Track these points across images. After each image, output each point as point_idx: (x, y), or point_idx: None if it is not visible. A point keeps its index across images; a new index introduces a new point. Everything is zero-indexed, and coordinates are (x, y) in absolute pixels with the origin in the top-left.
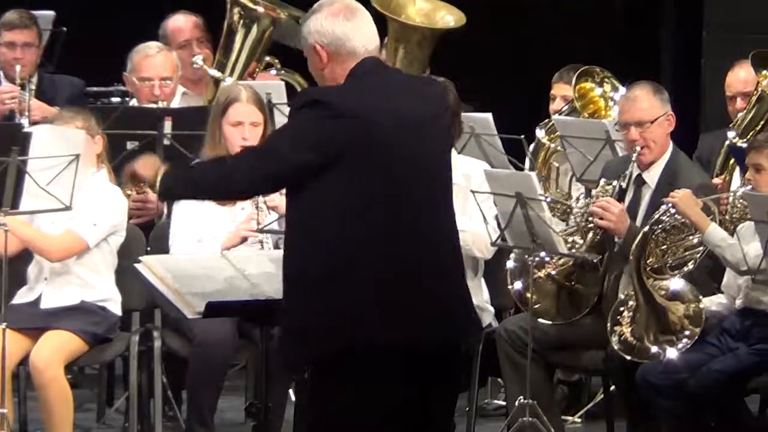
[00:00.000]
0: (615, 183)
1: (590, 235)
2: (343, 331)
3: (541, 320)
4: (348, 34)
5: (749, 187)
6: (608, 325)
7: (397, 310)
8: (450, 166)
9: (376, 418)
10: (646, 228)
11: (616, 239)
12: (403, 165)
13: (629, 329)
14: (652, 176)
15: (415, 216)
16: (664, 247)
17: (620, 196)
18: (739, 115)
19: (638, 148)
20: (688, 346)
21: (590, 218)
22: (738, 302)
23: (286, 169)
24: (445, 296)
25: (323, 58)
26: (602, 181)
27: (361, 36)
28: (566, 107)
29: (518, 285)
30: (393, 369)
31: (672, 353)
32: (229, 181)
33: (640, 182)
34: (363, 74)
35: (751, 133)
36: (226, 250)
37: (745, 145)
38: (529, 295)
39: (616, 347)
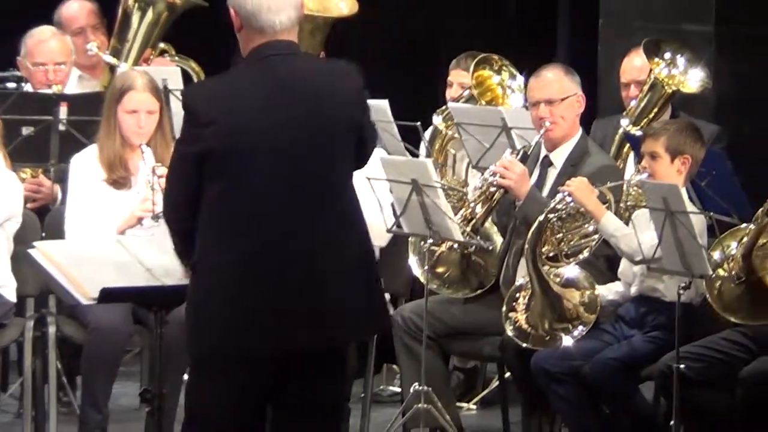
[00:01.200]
0: (519, 148)
1: (496, 195)
2: (208, 335)
3: (446, 293)
4: (258, 10)
5: (645, 174)
6: (503, 311)
7: (262, 322)
8: (348, 163)
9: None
10: (542, 216)
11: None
12: (271, 171)
13: (524, 316)
14: (558, 157)
15: (284, 229)
16: (559, 235)
17: (523, 159)
18: (633, 102)
19: (547, 124)
20: (583, 333)
21: (492, 177)
22: (633, 290)
23: (186, 188)
24: (323, 303)
25: (236, 24)
26: (507, 151)
27: (272, 15)
28: (465, 94)
29: (425, 268)
30: (255, 376)
31: (567, 341)
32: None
33: (546, 163)
34: (258, 60)
35: (644, 121)
36: (122, 232)
37: (639, 133)
38: (440, 270)
39: (510, 334)
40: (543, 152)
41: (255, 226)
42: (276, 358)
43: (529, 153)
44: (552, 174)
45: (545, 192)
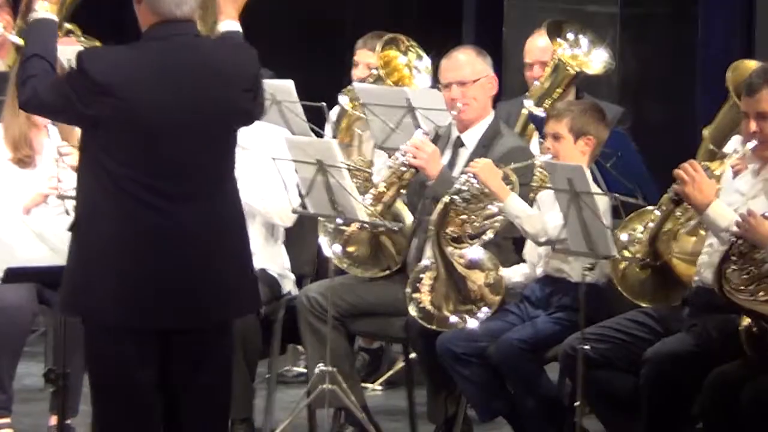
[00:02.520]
0: (431, 129)
1: (407, 175)
2: (82, 303)
3: (356, 272)
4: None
5: (549, 156)
6: (407, 292)
7: (138, 295)
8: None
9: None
10: (447, 198)
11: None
12: (160, 146)
13: (429, 297)
14: (470, 138)
15: (167, 206)
16: (464, 216)
17: (434, 140)
18: (536, 83)
19: (459, 105)
20: (488, 315)
21: (404, 157)
22: (539, 271)
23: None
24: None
25: None
26: (419, 131)
27: (174, 7)
28: (372, 75)
29: (336, 248)
30: (142, 349)
31: (472, 323)
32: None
33: (458, 143)
34: (157, 39)
35: (547, 101)
36: (28, 211)
37: (543, 113)
38: (350, 249)
39: (414, 315)
40: (455, 133)
41: (140, 201)
42: (160, 333)
43: (440, 134)
44: (463, 155)
45: (456, 172)
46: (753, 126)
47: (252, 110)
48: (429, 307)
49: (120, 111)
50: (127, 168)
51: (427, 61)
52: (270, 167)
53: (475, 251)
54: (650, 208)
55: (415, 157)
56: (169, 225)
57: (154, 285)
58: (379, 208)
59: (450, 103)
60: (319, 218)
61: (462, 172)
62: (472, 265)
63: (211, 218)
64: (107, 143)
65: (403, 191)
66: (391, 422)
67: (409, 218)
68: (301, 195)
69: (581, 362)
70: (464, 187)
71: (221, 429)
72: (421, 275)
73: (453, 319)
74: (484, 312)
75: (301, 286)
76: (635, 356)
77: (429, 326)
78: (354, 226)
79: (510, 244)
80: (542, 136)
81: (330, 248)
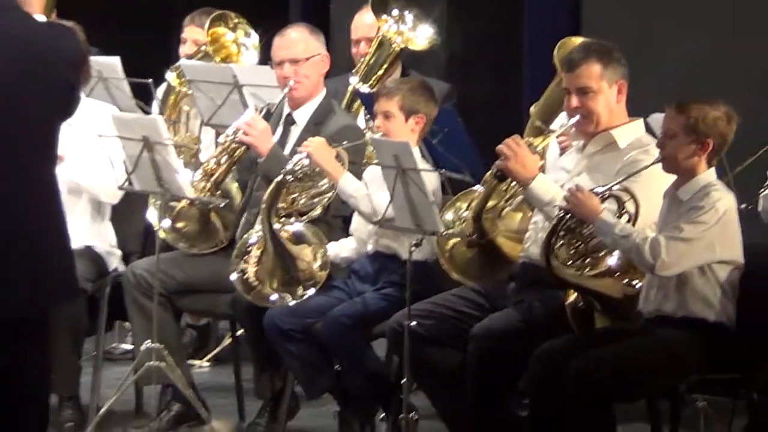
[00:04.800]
0: (263, 106)
1: (238, 152)
2: None
3: (185, 248)
4: None
5: (380, 134)
6: (233, 260)
7: None
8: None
9: None
10: (279, 177)
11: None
12: None
13: (254, 270)
14: (301, 116)
15: None
16: (295, 194)
17: (266, 117)
18: (362, 59)
19: (291, 83)
20: (313, 293)
21: (235, 133)
22: (369, 247)
23: None
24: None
25: None
26: (251, 108)
27: None
28: (200, 52)
29: (166, 223)
30: None
31: (296, 299)
32: None
33: (289, 121)
34: None
35: (373, 78)
36: None
37: (369, 90)
38: (179, 225)
39: (235, 282)
40: (286, 110)
41: None
42: None
43: (272, 111)
44: (295, 132)
45: (287, 150)
46: (575, 102)
47: (69, 95)
48: (252, 278)
49: None
50: None
51: (254, 38)
52: (96, 144)
53: (299, 226)
54: (476, 188)
55: (246, 134)
56: None
57: None
58: (210, 184)
59: (282, 80)
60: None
61: (295, 151)
62: (299, 240)
63: (10, 208)
64: None
65: (234, 168)
66: (219, 399)
67: (239, 195)
68: (127, 172)
69: (408, 338)
70: (297, 167)
71: (40, 414)
72: (249, 248)
73: (273, 296)
74: (311, 288)
75: (128, 262)
76: (462, 332)
77: (246, 297)
78: (184, 202)
79: (340, 222)
80: (369, 112)
81: (159, 223)
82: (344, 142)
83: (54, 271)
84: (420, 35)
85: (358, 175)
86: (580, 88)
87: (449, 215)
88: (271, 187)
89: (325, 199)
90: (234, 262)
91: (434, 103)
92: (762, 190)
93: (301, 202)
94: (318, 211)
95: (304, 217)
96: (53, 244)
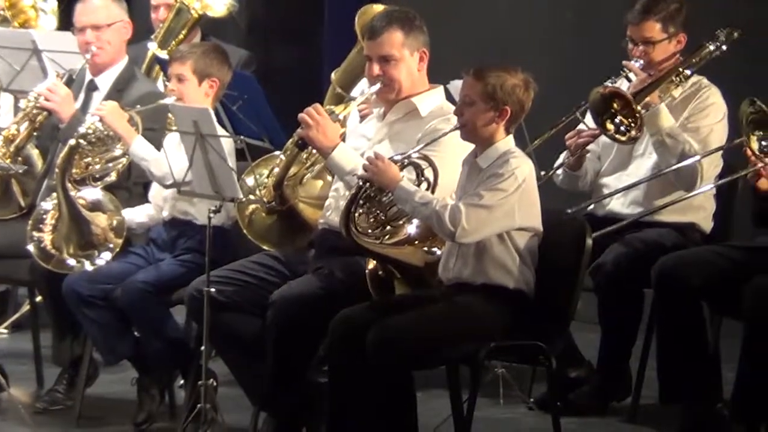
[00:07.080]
0: (63, 72)
1: (39, 117)
2: None
3: None
4: None
5: (173, 98)
6: (28, 230)
7: None
8: None
9: None
10: (73, 141)
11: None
12: None
13: (50, 237)
14: (104, 82)
15: None
16: (88, 159)
17: (68, 83)
18: (161, 25)
19: (93, 49)
20: (110, 258)
21: (36, 100)
22: (165, 213)
23: None
24: None
25: None
26: (52, 74)
27: None
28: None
29: None
30: None
31: (88, 266)
32: None
33: (92, 87)
34: None
35: (172, 44)
36: None
37: (167, 56)
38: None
39: (33, 253)
40: (88, 77)
41: None
42: None
43: (74, 77)
44: (97, 98)
45: (88, 116)
46: (376, 69)
47: None
48: (50, 247)
49: None
50: None
51: (53, 3)
52: None
53: (94, 192)
54: (277, 153)
55: (48, 100)
56: None
57: None
58: (10, 150)
59: (84, 46)
60: None
61: (88, 115)
62: (94, 206)
63: None
64: None
65: (35, 134)
66: (18, 365)
67: (40, 161)
68: None
69: (207, 305)
70: (89, 131)
71: None
72: (44, 216)
73: (71, 261)
74: (107, 254)
75: None
76: (262, 299)
77: (46, 266)
78: None
79: (140, 188)
80: (168, 78)
81: None
82: (137, 107)
83: None
84: (217, 2)
85: (161, 141)
86: (382, 56)
87: (250, 180)
88: (65, 151)
89: (120, 165)
90: (28, 233)
91: (228, 67)
92: (557, 159)
93: (97, 167)
94: (113, 176)
95: (99, 183)
96: None
